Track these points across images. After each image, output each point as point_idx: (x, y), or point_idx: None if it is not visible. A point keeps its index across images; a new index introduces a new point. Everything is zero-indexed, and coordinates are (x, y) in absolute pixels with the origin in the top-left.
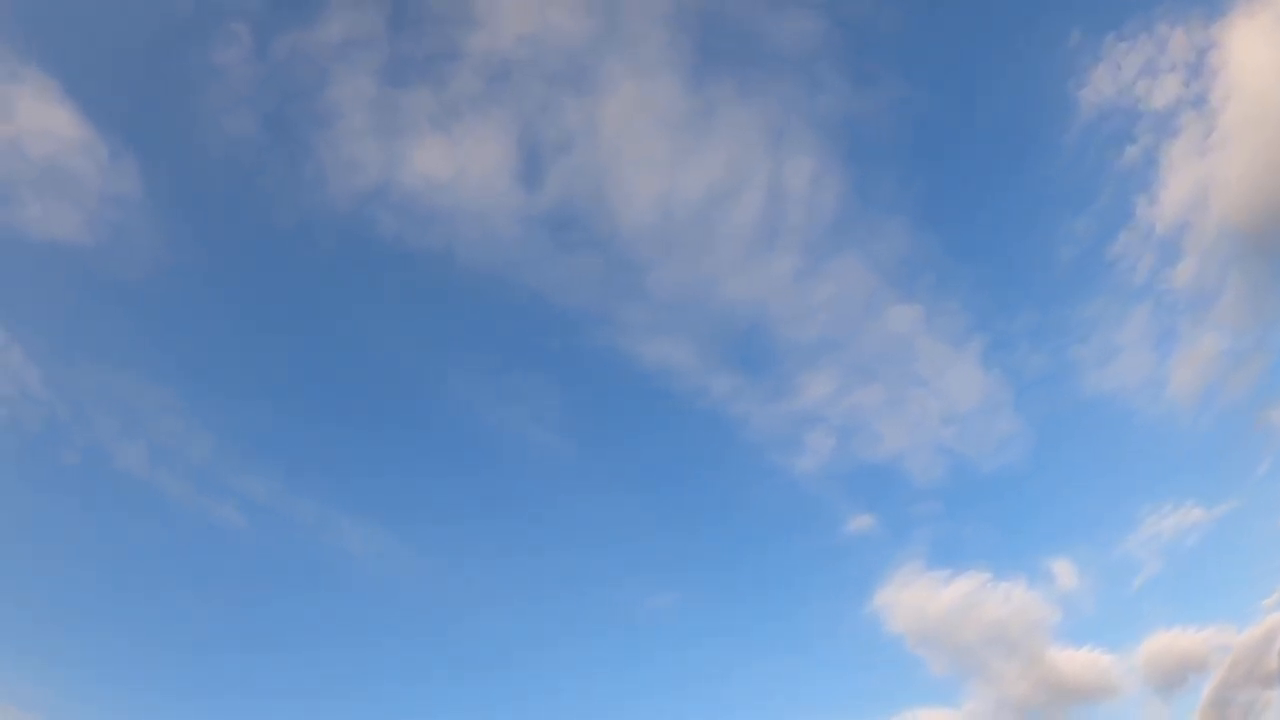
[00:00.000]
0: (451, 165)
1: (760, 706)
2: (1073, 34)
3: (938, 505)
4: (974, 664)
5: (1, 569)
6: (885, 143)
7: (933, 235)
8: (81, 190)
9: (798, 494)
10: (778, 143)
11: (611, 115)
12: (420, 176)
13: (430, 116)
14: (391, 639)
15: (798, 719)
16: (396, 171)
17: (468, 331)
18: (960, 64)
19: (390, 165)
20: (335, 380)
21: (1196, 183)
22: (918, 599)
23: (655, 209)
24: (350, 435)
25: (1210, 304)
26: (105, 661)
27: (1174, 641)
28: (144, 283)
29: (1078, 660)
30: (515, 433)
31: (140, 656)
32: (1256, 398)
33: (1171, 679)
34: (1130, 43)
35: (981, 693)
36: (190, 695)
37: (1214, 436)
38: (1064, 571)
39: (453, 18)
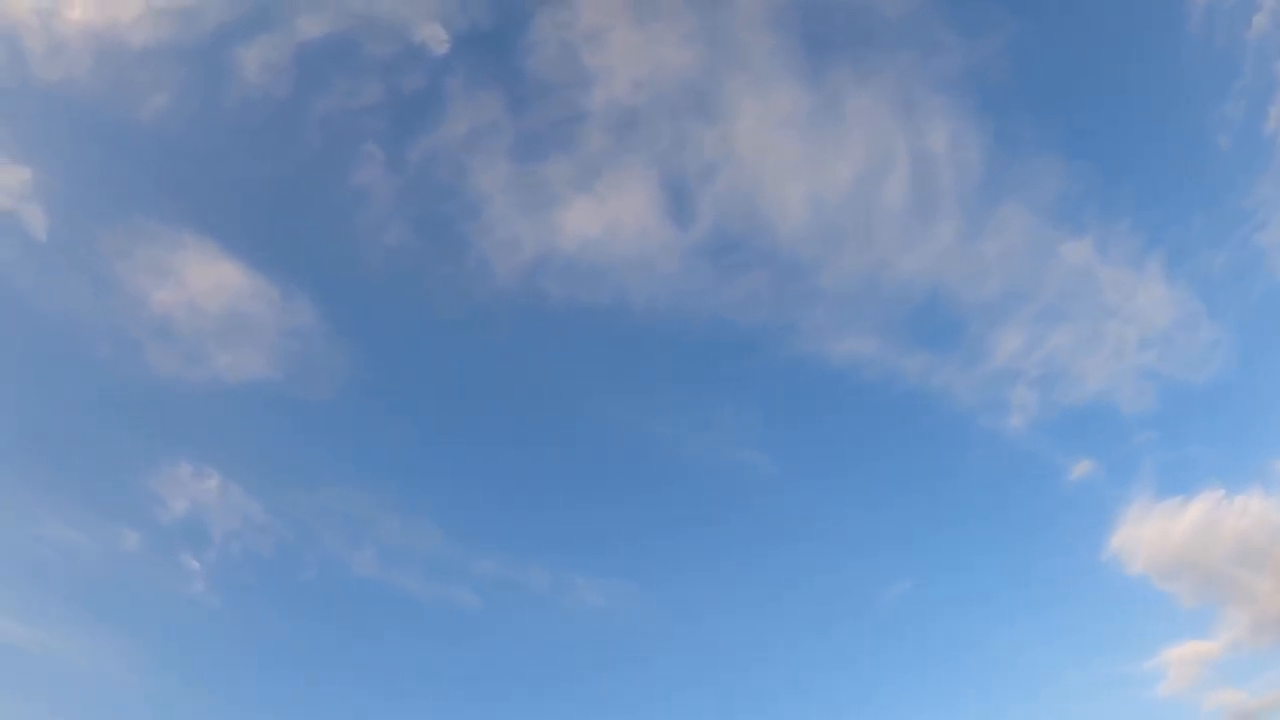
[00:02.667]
0: (602, 220)
1: (1012, 676)
2: None
3: (1154, 433)
4: (1226, 588)
5: (261, 694)
6: (1014, 85)
7: (1085, 163)
8: (261, 330)
9: (1012, 454)
10: (909, 113)
11: (743, 132)
12: (576, 239)
13: (570, 180)
14: (639, 676)
15: (1054, 680)
16: (552, 240)
17: (655, 373)
18: None
19: (545, 236)
20: (540, 447)
21: None
22: (1154, 533)
23: (808, 210)
24: (565, 493)
25: None
26: None
27: None
28: (335, 401)
29: None
30: (721, 459)
31: None
32: None
33: None
34: None
35: (1237, 618)
36: None
37: None
38: None
39: (566, 82)
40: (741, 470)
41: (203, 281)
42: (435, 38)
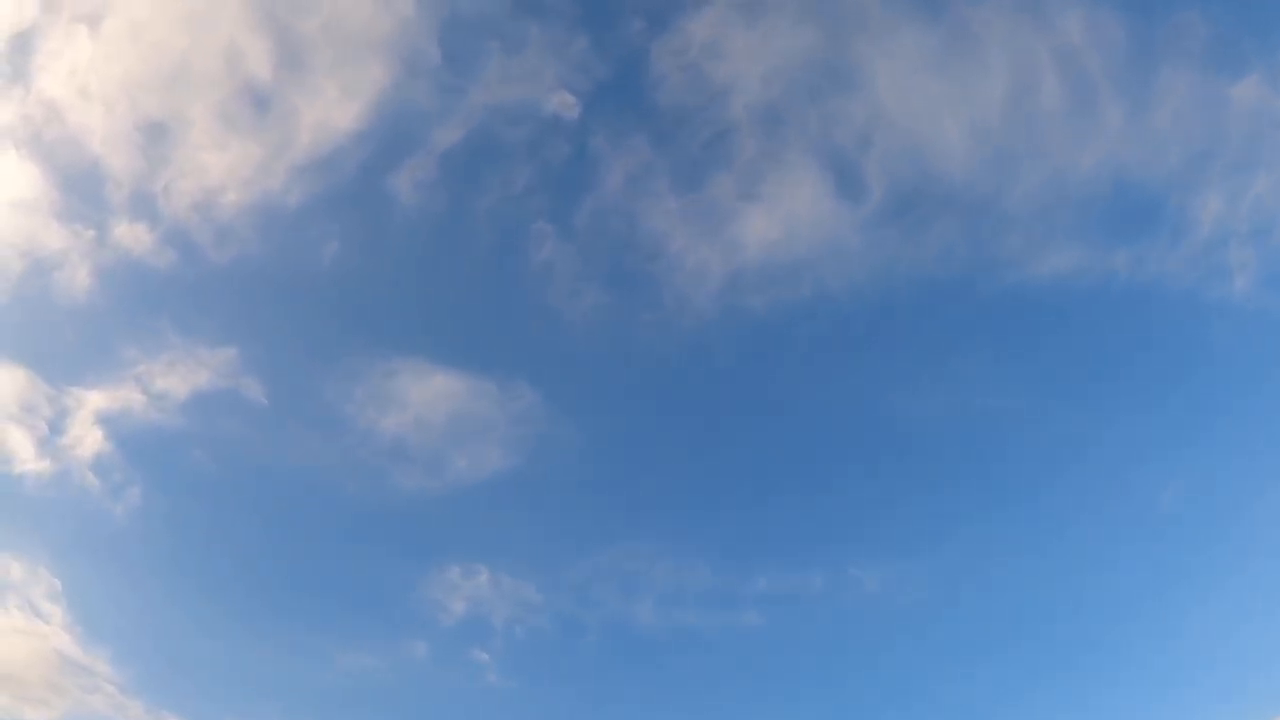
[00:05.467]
0: (778, 220)
1: None
2: None
3: None
4: None
5: None
6: None
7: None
8: (488, 425)
9: (1242, 316)
10: (1036, 11)
11: (883, 90)
12: (759, 245)
13: (736, 193)
14: (928, 654)
15: None
16: (737, 254)
17: (870, 348)
18: None
19: (728, 253)
20: (781, 455)
21: None
22: None
23: (971, 144)
24: (816, 491)
25: None
26: None
27: None
28: (575, 468)
29: None
30: (960, 415)
31: None
32: None
33: None
34: None
35: None
36: None
37: None
38: None
39: (701, 102)
40: (984, 420)
41: (423, 397)
42: (564, 104)
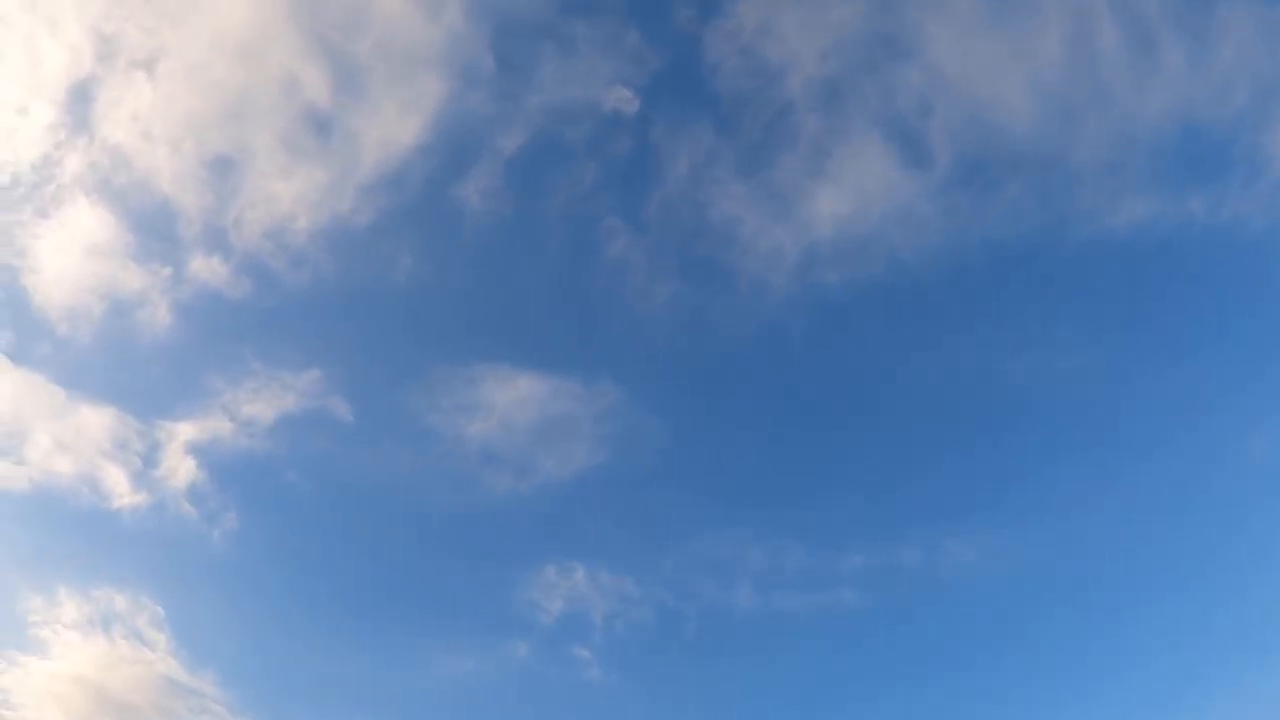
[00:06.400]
0: (847, 195)
1: None
2: None
3: None
4: None
5: None
6: None
7: None
8: (574, 424)
9: None
10: None
11: (940, 54)
12: (830, 222)
13: (803, 171)
14: (1031, 624)
15: None
16: (809, 233)
17: (952, 315)
18: None
19: (801, 232)
20: (872, 430)
21: None
22: None
23: (1032, 100)
24: (907, 464)
25: None
26: None
27: None
28: (665, 457)
29: None
30: (1046, 375)
31: None
32: None
33: None
34: None
35: None
36: None
37: None
38: None
39: (759, 84)
40: (1072, 380)
41: (507, 401)
42: (623, 99)
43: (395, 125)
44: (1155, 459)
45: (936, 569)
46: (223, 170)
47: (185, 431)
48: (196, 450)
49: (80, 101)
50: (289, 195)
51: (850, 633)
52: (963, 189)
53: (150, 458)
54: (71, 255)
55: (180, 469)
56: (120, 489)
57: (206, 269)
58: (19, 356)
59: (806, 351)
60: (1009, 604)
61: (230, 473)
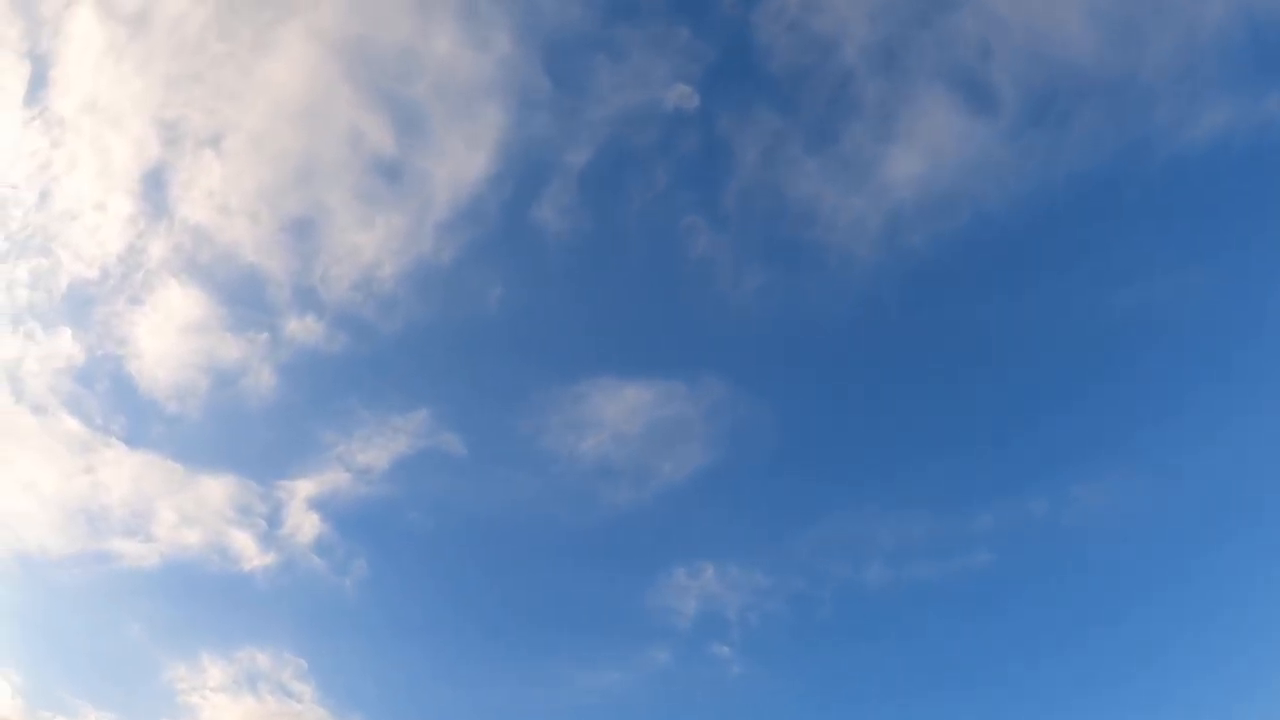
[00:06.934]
0: (921, 152)
1: None
2: None
3: None
4: None
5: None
6: None
7: None
8: (685, 425)
9: None
10: None
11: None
12: (908, 181)
13: (873, 136)
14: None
15: None
16: (888, 196)
17: (1046, 258)
18: None
19: (880, 198)
20: (986, 383)
21: None
22: None
23: (1089, 21)
24: (1029, 411)
25: None
26: None
27: None
28: (779, 445)
29: None
30: (1159, 305)
31: None
32: None
33: None
34: None
35: None
36: None
37: None
38: None
39: (815, 59)
40: (1174, 305)
41: (616, 412)
42: (683, 95)
43: (463, 160)
44: None
45: (1066, 517)
46: (302, 231)
47: (304, 488)
48: (317, 504)
49: (154, 188)
50: (370, 245)
51: (985, 595)
52: (1035, 127)
53: (274, 518)
54: (169, 336)
55: (304, 525)
56: (249, 552)
57: (302, 329)
58: (134, 440)
59: (904, 317)
60: (1147, 549)
61: (353, 521)
